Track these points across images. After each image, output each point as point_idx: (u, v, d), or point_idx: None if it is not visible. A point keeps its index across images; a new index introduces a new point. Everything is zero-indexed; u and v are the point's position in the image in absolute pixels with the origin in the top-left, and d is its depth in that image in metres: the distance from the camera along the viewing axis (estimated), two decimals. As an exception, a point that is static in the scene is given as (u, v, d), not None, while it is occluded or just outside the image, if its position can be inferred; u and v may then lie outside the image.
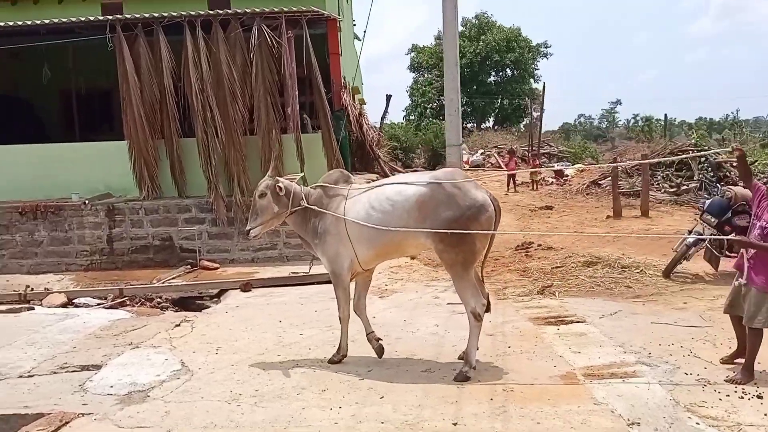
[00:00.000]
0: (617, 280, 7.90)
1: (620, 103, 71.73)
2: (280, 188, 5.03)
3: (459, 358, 4.98)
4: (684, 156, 14.09)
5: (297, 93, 10.92)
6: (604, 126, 77.33)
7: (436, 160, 27.41)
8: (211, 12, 10.66)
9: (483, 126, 48.51)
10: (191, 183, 10.98)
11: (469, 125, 47.12)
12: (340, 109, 12.43)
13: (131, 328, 6.59)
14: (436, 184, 4.75)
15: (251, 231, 5.14)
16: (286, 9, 10.64)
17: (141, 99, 10.54)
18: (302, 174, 5.85)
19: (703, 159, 14.38)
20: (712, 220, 7.72)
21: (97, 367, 5.27)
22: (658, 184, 14.44)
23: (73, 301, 8.53)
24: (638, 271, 8.24)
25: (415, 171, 20.98)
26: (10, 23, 11.14)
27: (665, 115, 23.63)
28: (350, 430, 3.84)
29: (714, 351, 5.10)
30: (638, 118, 62.97)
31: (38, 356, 5.71)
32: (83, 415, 4.24)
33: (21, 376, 5.20)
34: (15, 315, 7.61)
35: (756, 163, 14.56)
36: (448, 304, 7.18)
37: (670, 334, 5.62)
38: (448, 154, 9.18)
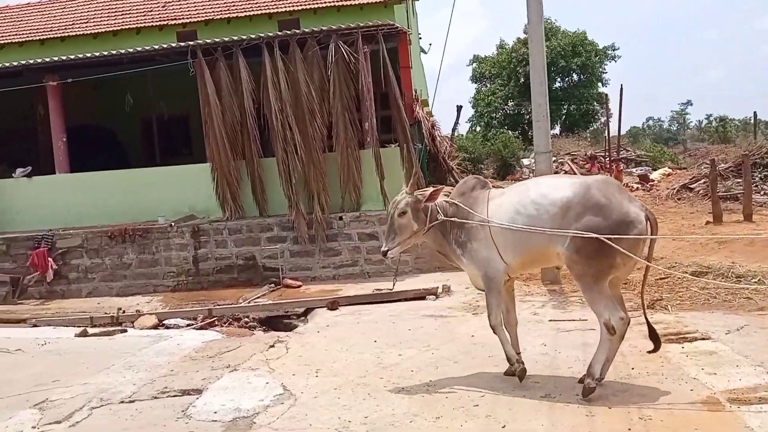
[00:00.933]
0: (734, 291, 7.24)
1: (691, 104, 68.56)
2: (420, 203, 4.78)
3: (579, 382, 4.58)
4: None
5: (375, 107, 10.76)
6: (675, 128, 74.38)
7: (505, 171, 26.85)
8: (288, 32, 10.71)
9: (551, 133, 47.42)
10: (272, 202, 10.99)
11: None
12: (415, 122, 12.25)
13: (225, 350, 6.49)
14: (584, 190, 4.42)
15: (389, 252, 4.82)
16: (362, 24, 10.55)
17: (222, 121, 10.66)
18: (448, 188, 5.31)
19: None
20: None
21: (198, 392, 5.15)
22: (756, 186, 13.46)
23: (164, 322, 8.59)
24: (755, 280, 7.56)
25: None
26: (96, 54, 11.54)
27: (755, 113, 22.13)
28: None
29: None
30: (711, 118, 60.13)
31: (137, 380, 5.66)
32: (191, 443, 4.09)
33: (122, 402, 5.13)
34: (110, 338, 7.70)
35: None
36: (550, 320, 6.78)
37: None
38: (537, 162, 8.76)
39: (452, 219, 4.81)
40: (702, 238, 9.63)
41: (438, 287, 8.58)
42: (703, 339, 5.60)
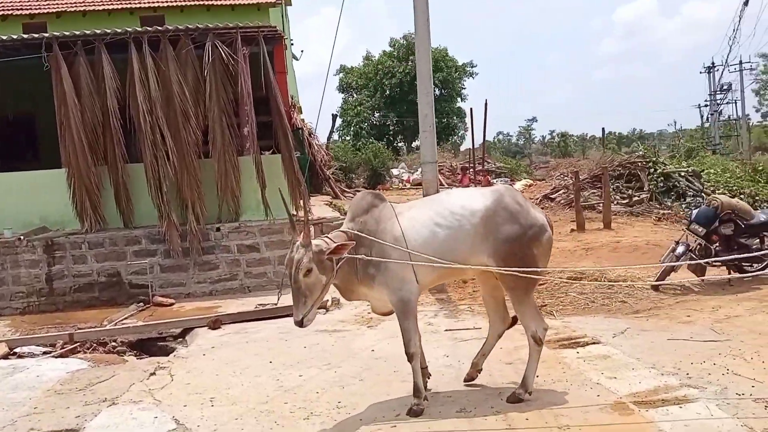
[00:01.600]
0: (609, 295, 7.71)
1: (536, 120, 74.76)
2: (323, 254, 4.14)
3: (509, 401, 4.47)
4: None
5: (254, 112, 10.25)
6: (521, 142, 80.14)
7: (376, 180, 27.21)
8: (160, 28, 9.92)
9: (413, 144, 48.90)
10: (139, 212, 10.09)
11: (400, 144, 47.40)
12: (294, 129, 11.90)
13: (97, 380, 5.74)
14: (500, 198, 4.41)
15: (305, 320, 4.12)
16: (241, 24, 10.04)
17: (82, 122, 9.63)
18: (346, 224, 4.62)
19: (652, 170, 14.69)
20: (700, 229, 7.70)
21: (73, 432, 4.46)
22: (611, 196, 14.61)
23: (15, 350, 7.50)
24: (626, 285, 8.08)
25: (357, 191, 20.61)
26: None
27: (602, 129, 24.26)
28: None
29: (750, 366, 4.89)
30: (554, 134, 65.75)
31: (-7, 422, 4.82)
32: (73, 498, 3.48)
33: (-24, 451, 4.33)
34: (-50, 372, 6.54)
35: (705, 173, 15.01)
36: (446, 330, 6.75)
37: (694, 351, 5.38)
38: (424, 171, 8.78)
39: (361, 257, 4.29)
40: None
41: (327, 300, 8.29)
42: (594, 343, 5.83)
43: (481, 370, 4.97)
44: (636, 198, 14.35)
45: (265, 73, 9.89)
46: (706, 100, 41.08)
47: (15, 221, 9.95)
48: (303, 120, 16.73)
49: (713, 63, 40.17)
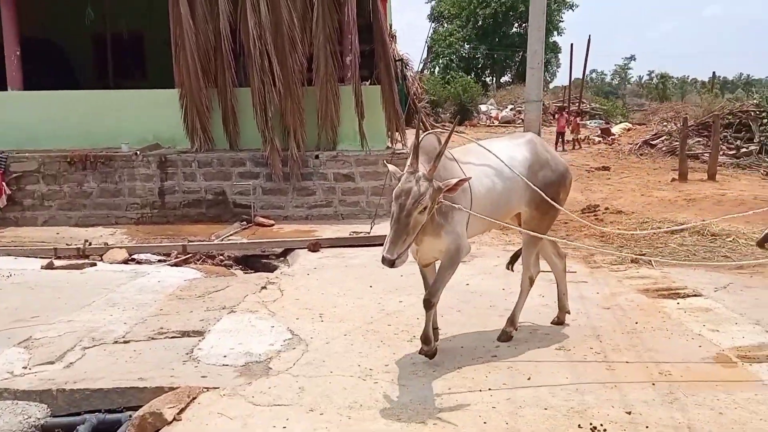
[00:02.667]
0: (711, 249, 7.52)
1: (634, 59, 70.03)
2: (440, 193, 3.84)
3: (556, 323, 5.01)
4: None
5: (358, 41, 10.28)
6: (616, 82, 75.88)
7: (463, 116, 26.70)
8: (271, -47, 9.97)
9: (502, 80, 47.50)
10: (244, 135, 10.50)
11: (488, 79, 46.15)
12: (396, 60, 11.87)
13: (213, 290, 6.25)
14: (534, 148, 4.69)
15: (398, 260, 3.71)
16: (349, -50, 9.95)
17: (196, 44, 9.97)
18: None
19: (765, 121, 13.78)
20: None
21: (199, 333, 4.94)
22: (719, 146, 13.87)
23: (134, 256, 8.22)
24: (730, 240, 7.84)
25: (444, 127, 20.37)
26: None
27: (713, 73, 22.67)
28: (513, 416, 3.50)
29: None
30: (653, 75, 61.61)
31: (126, 319, 5.38)
32: (208, 389, 3.91)
33: (116, 342, 4.87)
34: (80, 272, 7.28)
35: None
36: (541, 272, 6.81)
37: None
38: (527, 110, 8.67)
39: (453, 204, 4.01)
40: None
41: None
42: (696, 296, 5.77)
43: (569, 311, 5.14)
44: (744, 150, 13.54)
45: (372, 3, 9.84)
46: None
47: (130, 137, 10.59)
48: (398, 50, 16.49)
49: None
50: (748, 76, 71.48)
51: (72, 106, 10.73)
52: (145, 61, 15.37)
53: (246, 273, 7.83)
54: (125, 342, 4.88)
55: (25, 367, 4.42)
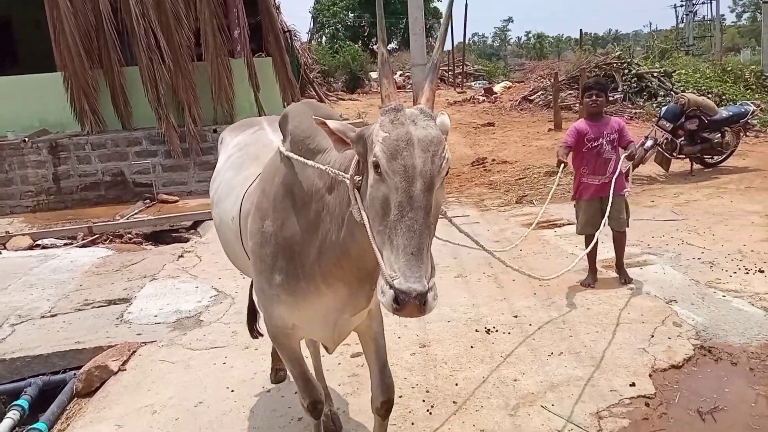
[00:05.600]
0: (583, 186, 8.50)
1: (512, 21, 73.34)
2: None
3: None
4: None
5: (245, 13, 10.44)
6: (497, 44, 79.17)
7: (354, 83, 27.10)
8: (147, -75, 9.84)
9: (390, 47, 48.14)
10: (137, 114, 10.45)
11: (376, 47, 46.62)
12: (284, 31, 12.07)
13: (129, 263, 6.44)
14: None
15: (431, 293, 1.66)
16: None
17: (75, 25, 9.75)
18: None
19: (626, 71, 15.24)
20: (668, 125, 8.41)
21: (126, 301, 5.18)
22: (586, 97, 15.21)
23: (38, 242, 8.12)
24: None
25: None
26: None
27: (580, 30, 24.30)
28: (422, 330, 4.10)
29: (701, 239, 5.75)
30: (530, 35, 64.87)
31: (48, 296, 5.51)
32: (146, 343, 4.24)
33: (44, 317, 5.02)
34: (-15, 260, 7.17)
35: (676, 74, 15.58)
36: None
37: (655, 228, 6.23)
38: (414, 74, 9.26)
39: None
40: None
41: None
42: (570, 224, 6.62)
43: None
44: (611, 98, 14.93)
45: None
46: (681, 1, 40.94)
47: (16, 124, 10.25)
48: (284, 20, 16.59)
49: (691, -39, 39.71)
50: (617, 31, 77.01)
51: (-55, 95, 10.17)
52: (15, 46, 14.59)
53: (160, 247, 7.97)
54: (53, 316, 5.04)
55: (-45, 349, 4.52)
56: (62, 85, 10.07)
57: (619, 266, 4.83)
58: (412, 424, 3.02)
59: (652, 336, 3.77)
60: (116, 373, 3.86)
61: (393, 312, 1.62)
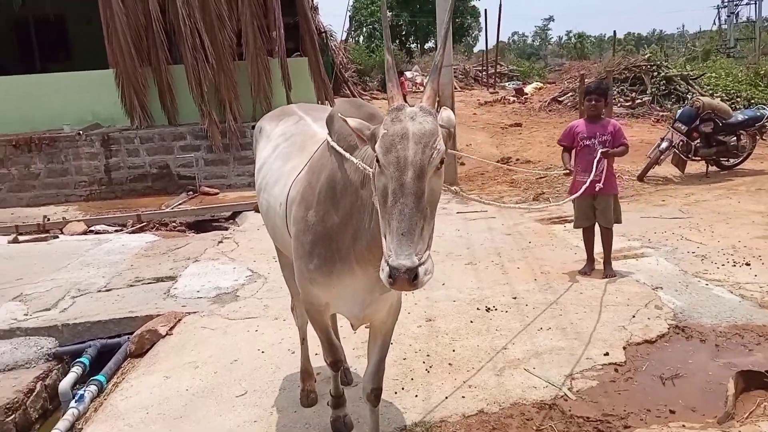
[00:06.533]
0: (599, 184, 8.88)
1: (553, 20, 72.52)
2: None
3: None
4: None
5: (282, 14, 11.06)
6: (537, 44, 78.50)
7: (391, 83, 27.61)
8: (195, -65, 10.55)
9: (426, 47, 48.50)
10: (182, 110, 11.19)
11: (413, 46, 47.09)
12: (320, 32, 12.67)
13: (175, 247, 7.11)
14: None
15: (422, 267, 1.87)
16: (270, -70, 10.67)
17: (127, 25, 10.51)
18: None
19: (655, 73, 15.42)
20: (683, 127, 8.73)
21: (172, 278, 5.83)
22: (615, 98, 15.43)
23: (91, 228, 8.90)
24: (616, 177, 9.22)
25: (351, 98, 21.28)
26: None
27: (614, 32, 24.44)
28: (430, 307, 4.62)
29: (701, 235, 6.12)
30: (571, 34, 64.23)
31: (104, 274, 6.20)
32: (190, 313, 4.86)
33: (100, 291, 5.70)
34: (47, 243, 7.95)
35: (702, 77, 15.70)
36: (457, 213, 7.99)
37: (660, 225, 6.62)
38: (440, 74, 9.72)
39: None
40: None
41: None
42: (580, 220, 7.06)
43: None
44: (639, 100, 15.17)
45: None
46: (724, 1, 40.27)
47: (71, 118, 11.09)
48: (321, 21, 17.21)
49: (734, -39, 39.05)
50: (661, 31, 75.69)
51: (9, 92, 11.08)
52: (68, 43, 15.53)
53: (202, 234, 8.65)
54: (108, 290, 5.71)
55: (26, 314, 5.22)
56: (114, 82, 10.87)
57: (606, 261, 5.21)
58: (412, 379, 3.55)
59: (633, 316, 4.22)
60: (164, 336, 4.49)
61: (389, 286, 1.86)
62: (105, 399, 3.81)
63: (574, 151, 5.27)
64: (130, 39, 10.64)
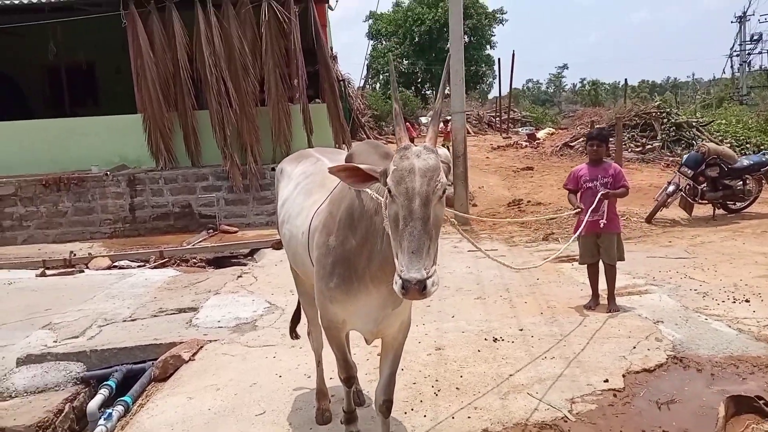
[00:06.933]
0: (608, 226, 9.11)
1: (567, 68, 73.39)
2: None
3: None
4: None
5: (304, 64, 11.61)
6: (551, 90, 79.55)
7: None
8: (222, -10, 11.22)
9: (447, 91, 49.41)
10: (205, 153, 11.66)
11: (428, 92, 48.08)
12: (339, 80, 13.21)
13: (196, 281, 7.41)
14: None
15: (430, 280, 2.19)
16: (294, -15, 11.31)
17: (156, 73, 11.10)
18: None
19: (665, 120, 15.75)
20: (689, 171, 8.98)
21: (194, 309, 6.11)
22: (625, 144, 15.75)
23: (116, 263, 9.25)
24: (624, 218, 9.45)
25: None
26: (17, 1, 11.46)
27: (625, 80, 24.90)
28: (439, 337, 4.84)
29: (704, 274, 6.31)
30: (585, 82, 65.10)
31: (128, 305, 6.49)
32: (211, 341, 5.12)
33: (125, 320, 5.99)
34: (73, 277, 8.32)
35: (711, 124, 16.00)
36: (468, 251, 8.23)
37: (665, 264, 6.82)
38: (454, 120, 10.14)
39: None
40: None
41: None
42: (587, 259, 7.27)
43: None
44: (649, 146, 15.47)
45: (315, 31, 11.21)
46: (736, 51, 40.92)
47: (98, 159, 11.60)
48: (339, 70, 17.84)
49: (744, 12, 39.86)
50: (675, 79, 76.46)
51: (41, 134, 11.65)
52: (97, 89, 16.24)
53: (222, 269, 8.96)
54: (133, 320, 6.00)
55: (55, 341, 5.51)
56: (141, 126, 11.41)
57: (609, 296, 5.42)
58: (421, 401, 3.76)
59: (634, 347, 4.41)
60: (187, 362, 4.74)
61: (401, 296, 2.17)
62: (131, 418, 4.05)
63: (579, 194, 5.53)
64: (159, 86, 11.21)
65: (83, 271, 8.74)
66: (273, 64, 11.29)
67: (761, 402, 3.42)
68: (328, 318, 2.99)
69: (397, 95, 2.69)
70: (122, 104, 12.03)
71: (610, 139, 15.34)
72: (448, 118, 23.28)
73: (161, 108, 11.25)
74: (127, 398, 4.47)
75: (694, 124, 15.45)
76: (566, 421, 3.44)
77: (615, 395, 3.72)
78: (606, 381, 3.89)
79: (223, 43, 11.13)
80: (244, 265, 8.84)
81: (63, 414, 4.51)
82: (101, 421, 4.13)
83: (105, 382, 4.83)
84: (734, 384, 3.79)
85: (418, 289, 2.14)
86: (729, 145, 12.27)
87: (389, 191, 2.28)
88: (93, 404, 4.54)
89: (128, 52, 11.41)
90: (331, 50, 15.03)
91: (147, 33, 11.11)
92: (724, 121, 16.16)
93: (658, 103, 17.31)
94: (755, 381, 3.82)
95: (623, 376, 3.97)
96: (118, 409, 4.26)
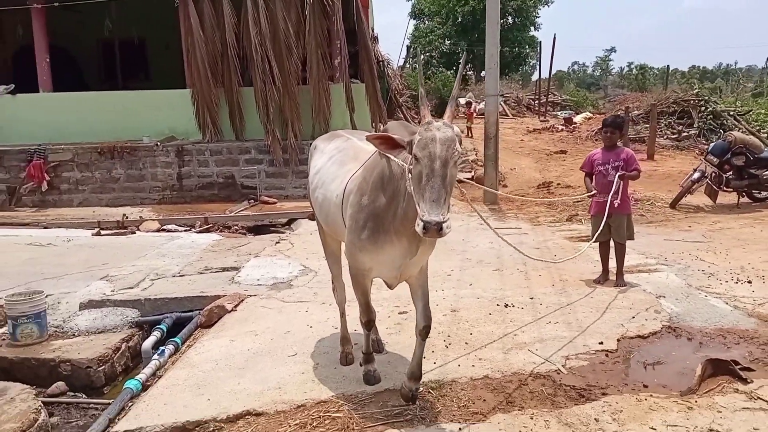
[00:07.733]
0: (633, 210, 9.39)
1: (615, 51, 71.46)
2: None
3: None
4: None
5: (346, 45, 12.05)
6: (598, 74, 77.94)
7: (442, 109, 28.48)
8: (269, -28, 11.69)
9: (482, 74, 49.20)
10: (249, 128, 12.24)
11: (469, 73, 47.88)
12: (379, 61, 13.62)
13: (238, 245, 8.03)
14: None
15: (446, 224, 2.74)
16: (336, -33, 11.71)
17: (205, 51, 11.69)
18: None
19: (703, 108, 15.72)
20: (714, 159, 9.18)
21: (236, 269, 6.72)
22: (662, 131, 15.80)
23: (164, 227, 9.95)
24: (649, 203, 9.74)
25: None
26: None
27: (667, 66, 24.58)
28: (455, 302, 5.32)
29: (715, 257, 6.62)
30: (632, 66, 63.57)
31: (177, 263, 7.14)
32: (251, 296, 5.70)
33: (174, 276, 6.63)
34: (126, 237, 9.04)
35: (750, 113, 15.90)
36: (495, 229, 8.64)
37: (680, 247, 7.13)
38: (487, 103, 10.48)
39: None
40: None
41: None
42: (606, 239, 7.61)
43: None
44: (685, 134, 15.49)
45: (357, 12, 11.61)
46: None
47: (150, 130, 12.31)
48: (380, 50, 18.22)
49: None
50: (728, 65, 74.16)
51: (98, 105, 12.43)
52: (147, 64, 16.99)
53: (268, 235, 9.57)
54: (181, 276, 6.64)
55: (112, 290, 6.19)
56: (190, 100, 12.05)
57: (618, 272, 5.81)
58: (433, 352, 4.25)
59: (633, 317, 4.81)
60: (230, 311, 5.33)
61: (423, 235, 2.74)
62: (181, 355, 4.66)
63: (594, 177, 5.90)
64: (207, 63, 11.80)
65: (134, 233, 9.46)
66: (315, 45, 11.74)
67: (736, 366, 3.82)
68: (356, 266, 3.55)
69: (422, 80, 3.46)
70: (170, 79, 12.69)
71: (633, 125, 15.45)
72: (471, 101, 23.38)
73: (209, 84, 11.84)
74: (177, 339, 5.09)
75: (732, 113, 15.39)
76: (559, 373, 3.89)
77: (607, 355, 4.15)
78: (601, 343, 4.32)
79: (269, 23, 11.62)
80: (282, 233, 9.43)
81: (120, 351, 5.16)
82: (155, 356, 4.75)
83: (157, 326, 5.47)
84: (718, 352, 4.18)
85: (437, 229, 2.69)
86: (767, 135, 12.28)
87: (415, 156, 2.85)
88: (147, 343, 5.18)
89: (178, 29, 12.03)
90: (372, 31, 15.41)
91: (198, 13, 11.67)
92: (763, 111, 16.02)
93: (696, 90, 17.22)
94: (738, 350, 4.20)
95: (618, 340, 4.39)
96: (169, 348, 4.88)
